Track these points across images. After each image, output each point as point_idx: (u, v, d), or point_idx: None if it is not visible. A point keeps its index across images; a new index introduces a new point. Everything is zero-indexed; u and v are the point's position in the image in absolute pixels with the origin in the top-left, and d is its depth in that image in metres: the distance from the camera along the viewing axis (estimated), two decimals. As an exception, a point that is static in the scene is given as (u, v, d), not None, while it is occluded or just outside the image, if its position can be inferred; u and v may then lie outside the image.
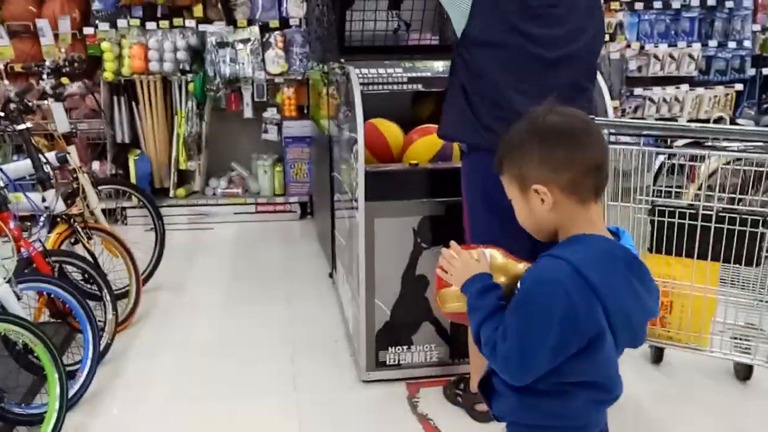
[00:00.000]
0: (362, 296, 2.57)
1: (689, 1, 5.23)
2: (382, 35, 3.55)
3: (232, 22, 4.57)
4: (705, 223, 2.03)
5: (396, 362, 2.66)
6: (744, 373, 2.63)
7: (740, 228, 2.03)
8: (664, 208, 2.09)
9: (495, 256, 1.34)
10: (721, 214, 1.99)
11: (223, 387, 2.66)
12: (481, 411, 2.40)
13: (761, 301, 2.26)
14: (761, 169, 2.17)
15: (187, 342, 3.05)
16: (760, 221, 2.03)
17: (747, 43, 5.42)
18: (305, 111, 4.75)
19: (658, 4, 5.21)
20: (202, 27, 4.53)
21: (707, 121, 5.40)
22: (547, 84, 2.07)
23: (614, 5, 5.12)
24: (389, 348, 2.64)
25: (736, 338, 2.51)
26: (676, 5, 5.23)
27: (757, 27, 5.42)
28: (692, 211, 2.05)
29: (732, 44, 5.40)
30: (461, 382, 2.55)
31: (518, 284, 1.23)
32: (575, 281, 1.11)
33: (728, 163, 2.79)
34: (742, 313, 2.52)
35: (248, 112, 4.61)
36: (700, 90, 5.37)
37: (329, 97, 3.25)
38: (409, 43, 3.78)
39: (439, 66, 2.89)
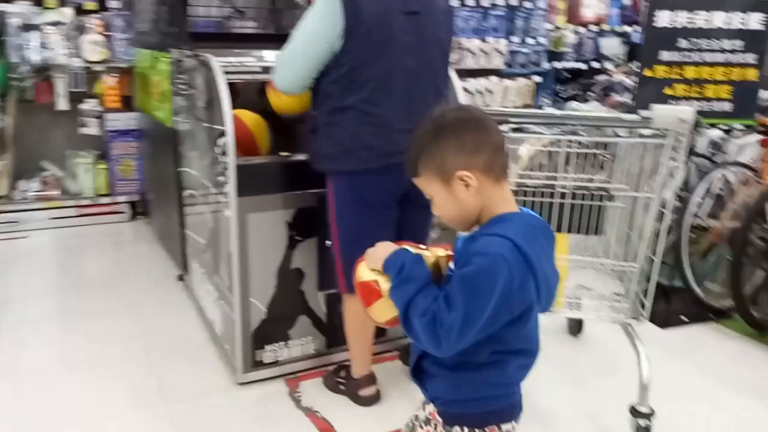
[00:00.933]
0: (236, 295, 2.47)
1: (496, 0, 5.71)
2: (222, 22, 3.42)
3: (39, 2, 4.07)
4: (561, 200, 2.24)
5: (274, 360, 2.60)
6: (576, 329, 3.02)
7: (589, 203, 2.26)
8: (526, 189, 2.28)
9: (407, 248, 1.35)
10: (574, 191, 2.22)
11: (76, 411, 2.39)
12: (365, 396, 2.45)
13: (602, 264, 2.57)
14: (580, 150, 2.42)
15: (20, 366, 2.70)
16: (601, 196, 2.29)
17: (542, 40, 6.05)
18: (130, 102, 4.39)
19: (470, 2, 5.61)
20: (1, 6, 3.97)
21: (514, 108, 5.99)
22: (412, 93, 2.18)
23: None
24: (266, 346, 2.57)
25: (569, 298, 2.83)
26: (485, 3, 5.67)
27: (550, 26, 6.07)
28: (551, 190, 2.25)
29: (531, 40, 5.99)
30: (341, 370, 2.57)
31: (447, 264, 1.29)
32: (515, 256, 1.17)
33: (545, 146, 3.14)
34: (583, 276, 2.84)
35: (62, 104, 4.14)
36: (507, 81, 5.89)
37: (176, 86, 3.05)
38: (252, 31, 3.69)
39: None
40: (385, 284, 1.29)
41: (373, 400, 2.46)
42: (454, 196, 1.27)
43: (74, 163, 4.37)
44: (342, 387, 2.51)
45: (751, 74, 3.09)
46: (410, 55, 2.15)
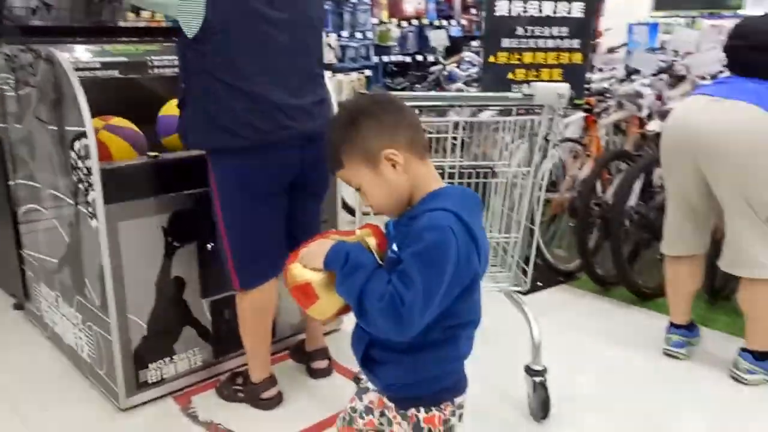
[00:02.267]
0: (112, 314, 2.24)
1: (322, -6, 5.74)
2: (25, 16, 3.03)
3: None
4: (461, 180, 2.32)
5: (159, 378, 2.40)
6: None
7: (479, 180, 2.36)
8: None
9: (335, 237, 1.33)
10: (468, 170, 2.31)
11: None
12: (268, 398, 2.35)
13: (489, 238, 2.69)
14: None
15: None
16: (486, 174, 2.40)
17: (369, 34, 6.22)
18: None
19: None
20: None
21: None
22: (288, 71, 2.11)
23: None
24: (149, 364, 2.36)
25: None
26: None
27: (375, 20, 6.25)
28: (453, 170, 2.30)
29: (359, 35, 6.13)
30: (237, 377, 2.44)
31: (375, 247, 1.28)
32: (459, 227, 1.18)
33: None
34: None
35: None
36: (339, 76, 5.96)
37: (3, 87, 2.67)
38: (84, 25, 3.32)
39: (125, 49, 2.66)
40: (320, 283, 1.25)
41: (277, 402, 2.37)
42: (383, 178, 1.25)
43: None
44: (241, 394, 2.39)
45: (577, 58, 3.42)
46: (283, 30, 2.07)
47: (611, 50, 6.22)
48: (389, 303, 1.14)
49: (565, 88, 1.97)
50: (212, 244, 2.36)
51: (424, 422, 1.30)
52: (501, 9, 3.29)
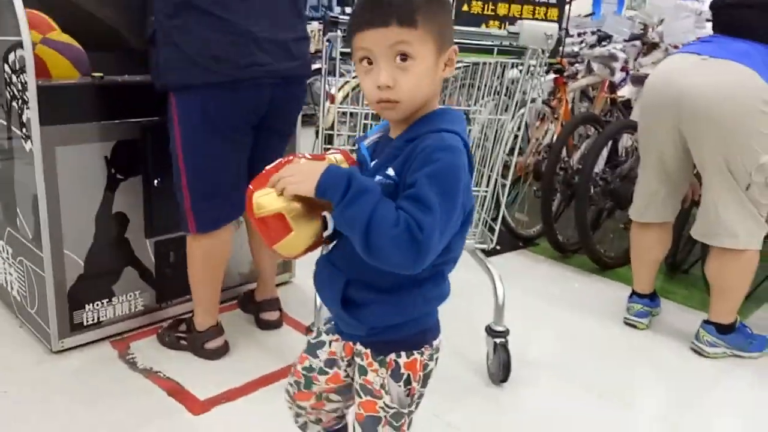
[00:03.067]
0: (47, 248, 2.04)
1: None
2: None
3: None
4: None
5: (95, 320, 2.22)
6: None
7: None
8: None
9: (330, 158, 1.19)
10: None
11: None
12: (213, 348, 2.21)
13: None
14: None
15: None
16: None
17: None
18: None
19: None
20: None
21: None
22: (271, 2, 1.95)
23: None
24: (86, 305, 2.18)
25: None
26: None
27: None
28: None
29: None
30: (179, 324, 2.27)
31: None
32: (464, 153, 1.06)
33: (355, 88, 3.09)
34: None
35: None
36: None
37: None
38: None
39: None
40: (296, 213, 1.08)
41: (222, 352, 2.22)
42: (434, 72, 1.08)
43: None
44: (184, 342, 2.23)
45: (553, 14, 3.31)
46: None
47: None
48: (405, 230, 0.98)
49: (553, 28, 1.84)
50: (159, 179, 2.17)
51: (404, 368, 1.17)
52: (479, -45, 3.15)
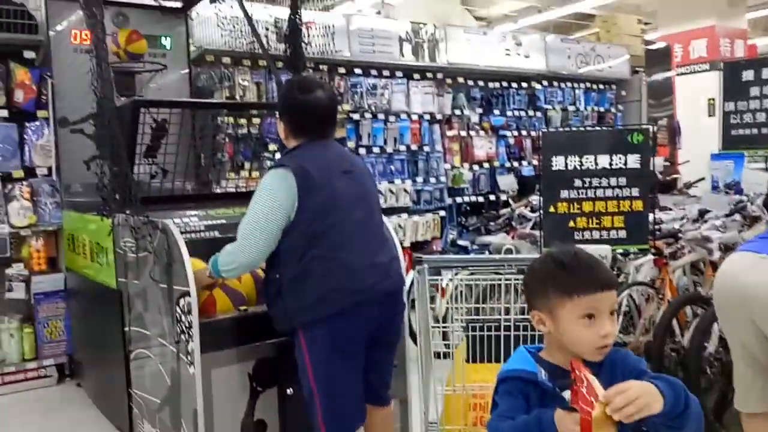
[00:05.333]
0: (203, 452, 2.49)
1: (398, 146, 6.27)
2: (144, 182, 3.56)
3: (-34, 175, 4.10)
4: (506, 332, 2.50)
5: None
6: None
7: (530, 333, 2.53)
8: (475, 324, 2.54)
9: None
10: (516, 323, 2.50)
11: None
12: None
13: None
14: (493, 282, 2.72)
15: None
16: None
17: (442, 178, 6.65)
18: (55, 263, 4.37)
19: (376, 150, 6.13)
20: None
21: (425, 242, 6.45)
22: (366, 236, 2.45)
23: (343, 151, 5.86)
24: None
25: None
26: (389, 150, 6.22)
27: (447, 166, 6.70)
28: (496, 323, 2.51)
29: (432, 179, 6.57)
30: None
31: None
32: None
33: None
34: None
35: (-13, 271, 4.06)
36: (415, 217, 6.35)
37: (123, 249, 3.14)
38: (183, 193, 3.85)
39: (224, 212, 3.11)
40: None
41: None
42: None
43: (-3, 330, 4.21)
44: None
45: (638, 205, 3.61)
46: (355, 207, 2.43)
47: (687, 186, 6.32)
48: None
49: (606, 250, 2.16)
50: (291, 390, 2.60)
51: None
52: (557, 164, 3.58)
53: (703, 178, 5.54)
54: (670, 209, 4.71)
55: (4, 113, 4.21)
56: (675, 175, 6.84)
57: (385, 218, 2.66)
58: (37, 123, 4.24)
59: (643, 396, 1.24)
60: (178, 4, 4.67)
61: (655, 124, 8.03)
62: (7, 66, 4.20)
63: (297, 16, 3.70)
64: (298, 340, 2.39)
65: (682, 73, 9.56)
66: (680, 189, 5.93)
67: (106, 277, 3.41)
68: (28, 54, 4.28)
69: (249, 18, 3.89)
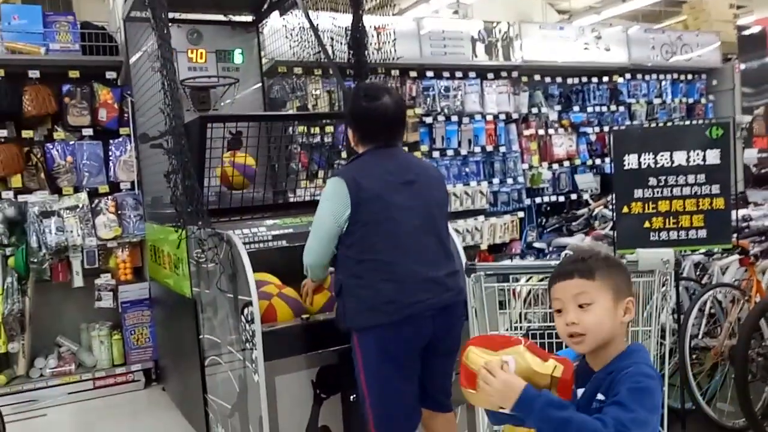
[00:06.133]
0: (269, 458, 2.55)
1: (473, 148, 6.19)
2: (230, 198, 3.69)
3: (56, 190, 4.40)
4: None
5: None
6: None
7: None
8: (536, 332, 2.46)
9: (519, 361, 1.47)
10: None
11: None
12: None
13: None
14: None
15: None
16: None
17: (520, 179, 6.50)
18: (140, 273, 4.62)
19: (450, 152, 6.08)
20: (22, 197, 4.28)
21: (503, 244, 6.34)
22: (423, 248, 2.43)
23: (416, 154, 5.86)
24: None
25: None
26: (463, 152, 6.15)
27: (525, 166, 6.54)
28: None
29: (510, 180, 6.43)
30: None
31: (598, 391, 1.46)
32: (659, 384, 1.42)
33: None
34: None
35: (78, 282, 4.34)
36: (492, 219, 6.23)
37: (195, 260, 3.27)
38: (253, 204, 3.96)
39: (292, 221, 3.15)
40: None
41: None
42: (613, 315, 1.47)
43: (89, 337, 4.49)
44: None
45: (719, 203, 3.38)
46: (414, 217, 2.42)
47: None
48: (613, 427, 1.32)
49: (669, 253, 2.04)
50: (354, 396, 2.62)
51: None
52: (630, 162, 3.42)
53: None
54: (762, 205, 4.41)
55: (90, 132, 4.49)
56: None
57: (452, 225, 2.63)
58: (120, 140, 4.51)
59: (495, 394, 1.41)
60: (249, 19, 4.81)
61: (751, 114, 7.53)
62: (91, 87, 4.48)
63: (359, 25, 3.73)
64: (353, 342, 2.44)
65: (780, 58, 8.89)
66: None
67: (182, 287, 3.56)
68: (110, 74, 4.55)
69: (314, 28, 3.95)
